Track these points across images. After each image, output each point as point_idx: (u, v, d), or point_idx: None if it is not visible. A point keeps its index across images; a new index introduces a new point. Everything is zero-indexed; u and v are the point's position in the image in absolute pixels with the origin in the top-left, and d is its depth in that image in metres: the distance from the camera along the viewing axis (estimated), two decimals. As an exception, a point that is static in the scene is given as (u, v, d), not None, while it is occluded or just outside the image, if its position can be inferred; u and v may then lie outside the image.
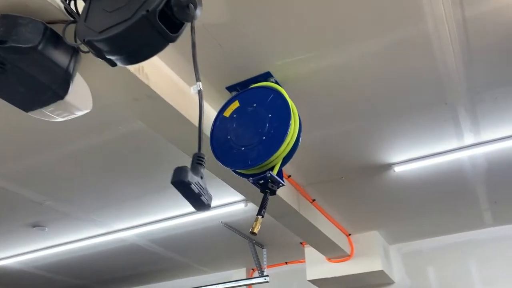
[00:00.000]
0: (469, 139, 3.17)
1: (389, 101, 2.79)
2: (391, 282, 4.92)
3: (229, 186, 3.76)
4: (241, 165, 2.28)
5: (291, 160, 3.34)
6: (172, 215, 4.29)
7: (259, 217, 2.18)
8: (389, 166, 3.46)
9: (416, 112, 2.88)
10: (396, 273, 4.97)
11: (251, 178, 2.27)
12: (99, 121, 2.93)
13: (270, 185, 2.24)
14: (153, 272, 5.95)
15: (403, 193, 3.89)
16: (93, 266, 5.58)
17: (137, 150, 3.31)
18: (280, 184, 2.29)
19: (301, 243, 5.05)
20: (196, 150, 1.53)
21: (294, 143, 2.32)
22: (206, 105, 2.76)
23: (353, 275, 4.63)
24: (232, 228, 4.55)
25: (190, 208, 4.32)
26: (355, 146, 3.28)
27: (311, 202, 4.02)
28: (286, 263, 5.68)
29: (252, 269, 5.89)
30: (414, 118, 2.94)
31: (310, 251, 4.97)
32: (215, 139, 2.43)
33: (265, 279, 4.77)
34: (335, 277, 4.70)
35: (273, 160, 2.26)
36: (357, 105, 2.82)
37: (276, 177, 2.25)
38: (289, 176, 3.63)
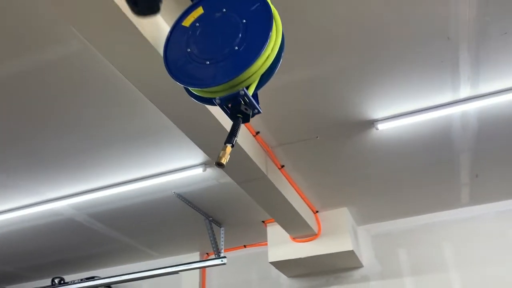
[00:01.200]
0: (465, 91, 2.78)
1: (380, 33, 2.34)
2: (359, 265, 4.52)
3: (184, 147, 3.20)
4: (206, 82, 1.73)
5: (260, 115, 2.84)
6: (115, 182, 3.64)
7: (228, 145, 1.64)
8: (371, 123, 3.02)
9: (411, 47, 2.44)
10: (365, 256, 4.56)
11: (218, 99, 1.72)
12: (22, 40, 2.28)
13: (243, 107, 1.71)
14: (94, 256, 5.21)
15: (382, 159, 3.47)
16: (20, 247, 4.78)
17: (65, 87, 2.66)
18: (256, 110, 1.76)
19: (263, 221, 4.54)
20: None
21: (275, 59, 1.79)
22: (163, 22, 2.19)
23: (320, 256, 4.17)
24: (186, 200, 3.96)
25: (137, 173, 3.73)
26: (334, 96, 2.81)
27: (280, 169, 3.52)
28: (245, 246, 5.15)
29: (207, 253, 5.31)
30: (407, 57, 2.50)
31: (273, 231, 4.48)
32: (171, 54, 1.86)
33: (221, 260, 4.22)
34: (300, 259, 4.22)
35: (249, 77, 1.72)
36: (337, 38, 2.35)
37: (252, 98, 1.72)
38: (257, 133, 3.11)
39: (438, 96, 2.82)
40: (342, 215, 4.28)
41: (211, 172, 3.55)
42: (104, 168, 3.47)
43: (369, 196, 4.13)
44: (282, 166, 3.52)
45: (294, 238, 4.31)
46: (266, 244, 4.88)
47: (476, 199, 4.24)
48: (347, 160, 3.47)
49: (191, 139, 2.73)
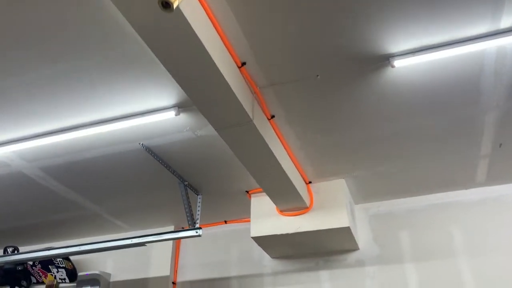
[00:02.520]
0: (508, 19, 2.19)
1: None
2: (354, 248, 3.93)
3: (155, 85, 2.60)
4: None
5: (248, 39, 2.26)
6: (70, 125, 3.02)
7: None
8: (386, 58, 2.42)
9: None
10: (362, 238, 3.97)
11: None
12: None
13: None
14: (53, 225, 4.56)
15: (393, 112, 2.88)
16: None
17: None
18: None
19: (247, 192, 3.93)
20: None
21: None
22: None
23: (311, 232, 3.58)
24: (156, 156, 3.34)
25: (96, 114, 2.78)
26: (340, 21, 2.21)
27: (269, 120, 2.92)
28: (225, 222, 4.54)
29: (183, 227, 4.69)
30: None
31: (258, 203, 3.88)
32: None
33: (196, 232, 3.61)
34: (288, 235, 3.63)
35: None
36: None
37: None
38: (243, 64, 2.49)
39: (471, 25, 2.23)
40: (338, 188, 3.68)
41: (186, 118, 2.93)
42: (56, 108, 2.84)
43: (371, 167, 3.54)
44: (272, 117, 2.92)
45: (281, 211, 3.71)
46: (250, 221, 4.29)
47: (493, 177, 3.67)
48: (351, 112, 2.87)
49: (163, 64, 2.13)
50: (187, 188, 3.72)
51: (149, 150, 3.26)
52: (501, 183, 3.74)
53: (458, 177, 3.70)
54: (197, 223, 3.74)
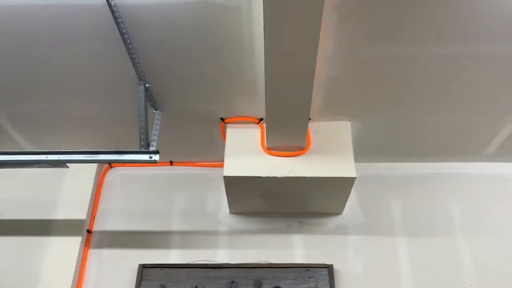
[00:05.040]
0: None
1: None
2: (337, 211, 3.21)
3: None
4: None
5: None
6: None
7: None
8: None
9: None
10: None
11: None
12: None
13: None
14: None
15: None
16: None
17: None
18: None
19: (222, 119, 2.97)
20: None
21: None
22: None
23: (302, 180, 2.75)
24: (119, 19, 2.22)
25: None
26: None
27: None
28: (171, 163, 3.50)
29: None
30: None
31: (234, 134, 2.94)
32: None
33: (150, 157, 2.54)
34: (273, 179, 2.75)
35: None
36: None
37: None
38: None
39: None
40: (342, 130, 2.91)
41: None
42: None
43: (383, 112, 2.85)
44: None
45: (269, 149, 2.82)
46: (208, 165, 3.36)
47: (503, 153, 3.22)
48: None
49: None
50: (148, 93, 2.63)
51: (113, 7, 2.12)
52: (510, 160, 3.32)
53: (469, 146, 3.18)
54: (153, 145, 2.67)
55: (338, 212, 3.21)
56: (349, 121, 2.94)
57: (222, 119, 2.95)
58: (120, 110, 2.84)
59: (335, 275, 2.96)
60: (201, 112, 2.91)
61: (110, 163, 3.50)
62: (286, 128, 2.61)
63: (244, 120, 2.92)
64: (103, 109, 2.86)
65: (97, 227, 3.29)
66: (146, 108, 2.59)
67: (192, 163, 3.49)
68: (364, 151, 3.16)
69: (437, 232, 3.12)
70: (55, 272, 2.99)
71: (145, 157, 2.55)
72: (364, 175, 3.33)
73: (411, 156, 3.30)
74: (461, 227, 3.14)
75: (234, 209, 3.23)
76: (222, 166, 3.36)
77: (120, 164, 3.52)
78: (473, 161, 3.33)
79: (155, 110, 2.80)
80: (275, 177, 2.73)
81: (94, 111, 2.88)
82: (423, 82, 2.56)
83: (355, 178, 2.72)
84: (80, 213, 3.22)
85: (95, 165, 3.42)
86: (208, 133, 3.12)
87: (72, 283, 2.96)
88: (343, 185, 2.79)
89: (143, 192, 3.42)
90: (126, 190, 3.44)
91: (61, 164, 2.63)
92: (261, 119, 2.91)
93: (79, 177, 3.37)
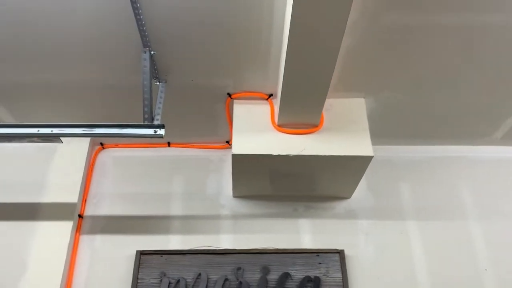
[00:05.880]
0: None
1: None
2: (346, 195, 3.07)
3: None
4: None
5: None
6: None
7: None
8: None
9: None
10: (353, 184, 3.11)
11: None
12: None
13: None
14: None
15: None
16: None
17: None
18: None
19: (229, 94, 2.77)
20: None
21: None
22: None
23: (316, 158, 2.58)
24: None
25: None
26: None
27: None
28: (168, 144, 3.29)
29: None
30: None
31: (242, 110, 2.76)
32: None
33: (155, 131, 2.33)
34: (285, 157, 2.57)
35: None
36: None
37: None
38: None
39: None
40: (357, 108, 2.77)
41: None
42: None
43: (399, 89, 2.72)
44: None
45: (280, 126, 2.65)
46: (207, 147, 3.17)
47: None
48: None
49: None
50: (152, 59, 2.41)
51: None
52: (519, 143, 3.26)
53: (480, 129, 3.09)
54: (158, 119, 2.45)
55: (347, 196, 3.07)
56: (364, 98, 2.79)
57: (229, 95, 2.75)
58: (118, 81, 2.61)
59: (346, 260, 2.81)
60: (206, 87, 2.70)
61: (103, 144, 3.26)
62: (302, 104, 2.44)
63: (253, 95, 2.74)
64: (99, 79, 2.62)
65: (89, 211, 3.04)
66: (151, 78, 2.37)
67: (191, 145, 3.28)
68: (374, 132, 3.01)
69: (449, 216, 3.02)
70: (44, 260, 2.74)
71: (150, 131, 2.34)
72: (376, 158, 3.17)
73: (422, 138, 3.19)
74: (474, 211, 3.04)
75: (238, 192, 3.04)
76: (222, 147, 3.25)
77: (113, 144, 3.28)
78: (484, 144, 3.25)
79: (159, 82, 2.58)
80: (287, 156, 2.55)
81: (89, 80, 2.63)
82: (441, 59, 2.44)
83: (372, 157, 2.58)
84: (70, 196, 2.96)
85: (86, 146, 3.17)
86: (211, 111, 2.92)
87: (63, 271, 2.71)
88: (358, 165, 2.64)
89: (139, 175, 3.19)
90: (120, 172, 3.21)
91: (55, 138, 2.40)
92: (271, 95, 2.74)
93: (68, 158, 3.11)
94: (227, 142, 3.21)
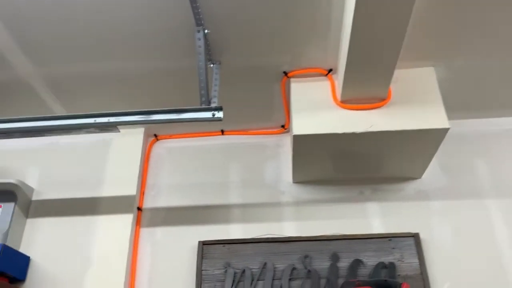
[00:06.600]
0: None
1: None
2: (414, 176, 2.84)
3: None
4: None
5: None
6: None
7: None
8: None
9: None
10: (423, 163, 2.88)
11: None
12: None
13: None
14: None
15: None
16: None
17: None
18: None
19: (285, 73, 2.61)
20: None
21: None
22: None
23: (387, 134, 2.39)
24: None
25: None
26: None
27: None
28: (222, 132, 3.18)
29: (155, 135, 3.21)
30: None
31: (300, 89, 2.60)
32: None
33: (213, 114, 2.21)
34: (351, 135, 2.39)
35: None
36: None
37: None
38: None
39: None
40: (426, 78, 2.54)
41: None
42: None
43: (474, 56, 2.46)
44: None
45: (343, 102, 2.46)
46: (262, 133, 3.03)
47: None
48: None
49: None
50: (206, 38, 2.28)
51: None
52: None
53: None
54: (215, 102, 2.34)
55: (416, 176, 2.84)
56: (433, 67, 2.55)
57: (285, 73, 2.60)
58: (170, 65, 2.51)
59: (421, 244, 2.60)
60: (261, 66, 2.56)
61: (157, 135, 3.20)
62: (368, 76, 2.25)
63: (311, 72, 2.57)
64: (150, 66, 2.53)
65: (148, 204, 2.98)
66: (206, 59, 2.25)
67: (245, 131, 3.16)
68: (445, 104, 2.78)
69: (533, 192, 2.74)
70: (107, 255, 2.69)
71: (208, 114, 2.22)
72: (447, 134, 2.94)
73: (498, 109, 2.91)
74: (562, 186, 2.74)
75: (298, 178, 2.88)
76: (278, 133, 3.11)
77: (167, 135, 3.21)
78: None
79: (213, 64, 2.46)
80: (353, 133, 2.37)
81: (140, 68, 2.55)
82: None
83: (448, 129, 2.36)
84: (129, 189, 2.91)
85: (140, 138, 3.11)
86: (265, 94, 2.78)
87: (127, 265, 2.66)
88: (433, 139, 2.42)
89: (194, 165, 3.10)
90: (175, 163, 3.13)
91: (112, 127, 2.32)
92: (330, 70, 2.56)
93: (124, 151, 3.07)
94: (282, 126, 3.06)
